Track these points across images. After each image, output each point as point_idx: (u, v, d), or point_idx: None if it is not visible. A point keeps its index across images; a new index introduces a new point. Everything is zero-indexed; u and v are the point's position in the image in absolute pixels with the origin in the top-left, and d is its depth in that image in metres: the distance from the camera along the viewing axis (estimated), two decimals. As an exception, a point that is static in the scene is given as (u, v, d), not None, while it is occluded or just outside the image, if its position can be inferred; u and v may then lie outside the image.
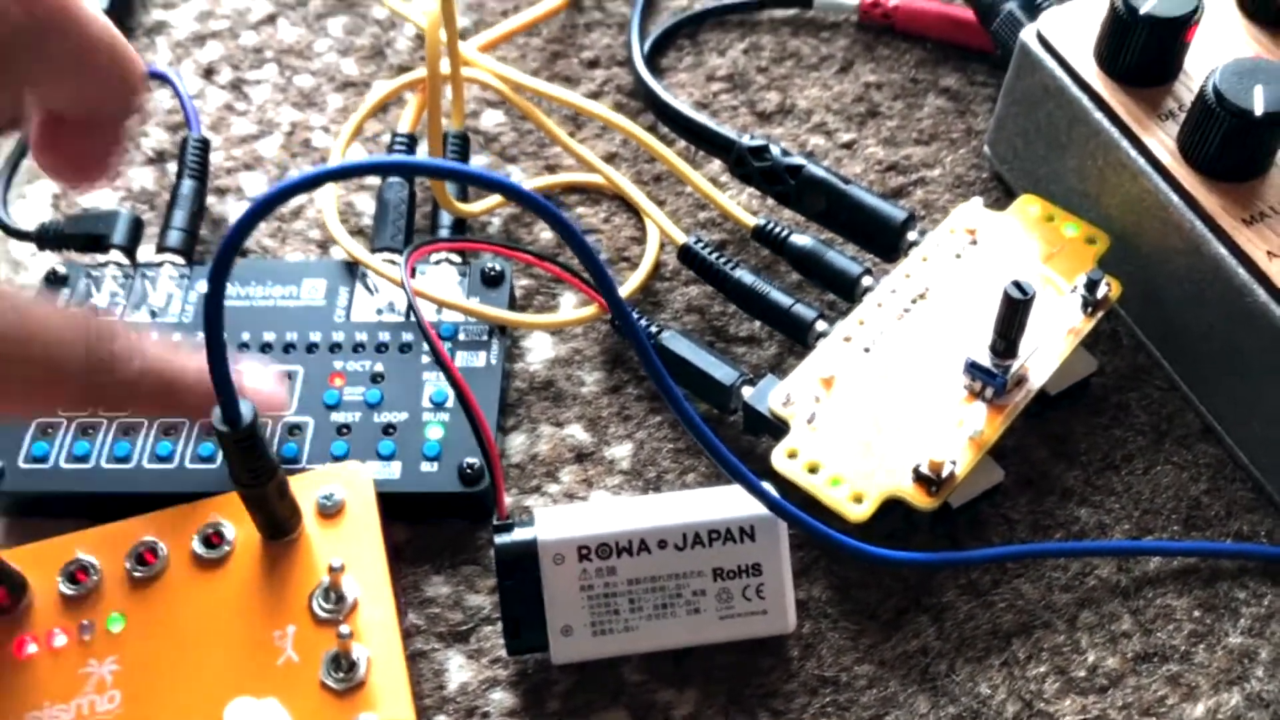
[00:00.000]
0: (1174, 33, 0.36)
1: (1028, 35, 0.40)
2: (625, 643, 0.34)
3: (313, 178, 0.27)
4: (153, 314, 0.40)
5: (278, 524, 0.33)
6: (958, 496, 0.36)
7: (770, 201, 0.43)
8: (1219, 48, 0.38)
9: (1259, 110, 0.34)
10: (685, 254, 0.41)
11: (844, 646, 0.35)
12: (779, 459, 0.35)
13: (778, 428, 0.36)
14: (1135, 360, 0.40)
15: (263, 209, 0.27)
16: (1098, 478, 0.38)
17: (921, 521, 0.37)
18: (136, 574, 0.33)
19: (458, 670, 0.35)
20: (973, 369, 0.36)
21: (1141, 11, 0.36)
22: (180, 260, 0.42)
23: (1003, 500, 0.37)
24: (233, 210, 0.45)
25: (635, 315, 0.40)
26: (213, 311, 0.28)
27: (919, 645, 0.35)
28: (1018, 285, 0.34)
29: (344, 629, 0.30)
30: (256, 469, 0.30)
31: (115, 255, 0.42)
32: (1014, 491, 0.37)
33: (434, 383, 0.38)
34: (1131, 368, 0.40)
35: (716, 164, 0.45)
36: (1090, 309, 0.37)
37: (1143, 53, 0.37)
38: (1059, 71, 0.39)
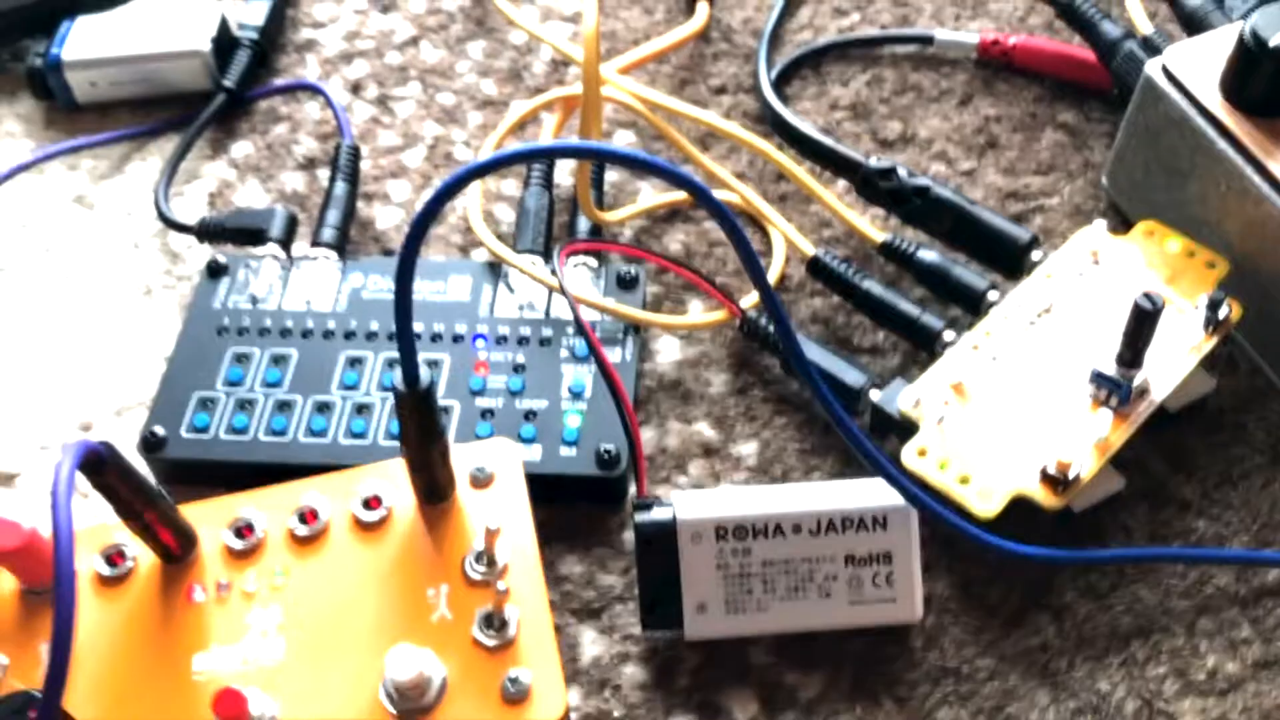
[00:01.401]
0: (1301, 65, 0.38)
1: (1153, 69, 0.41)
2: (757, 623, 0.35)
3: (507, 157, 0.29)
4: (307, 303, 0.43)
5: (437, 488, 0.34)
6: (1079, 501, 0.37)
7: (891, 223, 0.45)
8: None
9: (1387, 137, 0.35)
10: (815, 265, 0.43)
11: (965, 640, 0.36)
12: (909, 456, 0.36)
13: (906, 429, 0.37)
14: (1252, 383, 0.41)
15: (461, 182, 0.29)
16: (1215, 491, 0.39)
17: (1042, 526, 0.38)
18: (299, 533, 0.35)
19: (590, 644, 0.36)
20: (1099, 378, 0.37)
21: (1272, 44, 0.38)
22: (333, 255, 0.44)
23: (1121, 509, 0.38)
24: (380, 214, 0.47)
25: (764, 320, 0.41)
26: (403, 280, 0.29)
27: (1039, 642, 0.36)
28: (1148, 297, 0.35)
29: (501, 584, 0.32)
30: (428, 431, 0.32)
31: (272, 249, 0.44)
32: (1132, 501, 0.38)
33: (572, 374, 0.40)
34: (1249, 390, 0.41)
35: (839, 185, 0.47)
36: (1211, 328, 0.38)
37: (1270, 83, 0.38)
38: (1184, 103, 0.40)
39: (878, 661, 0.36)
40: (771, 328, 0.41)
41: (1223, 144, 0.39)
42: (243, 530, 0.35)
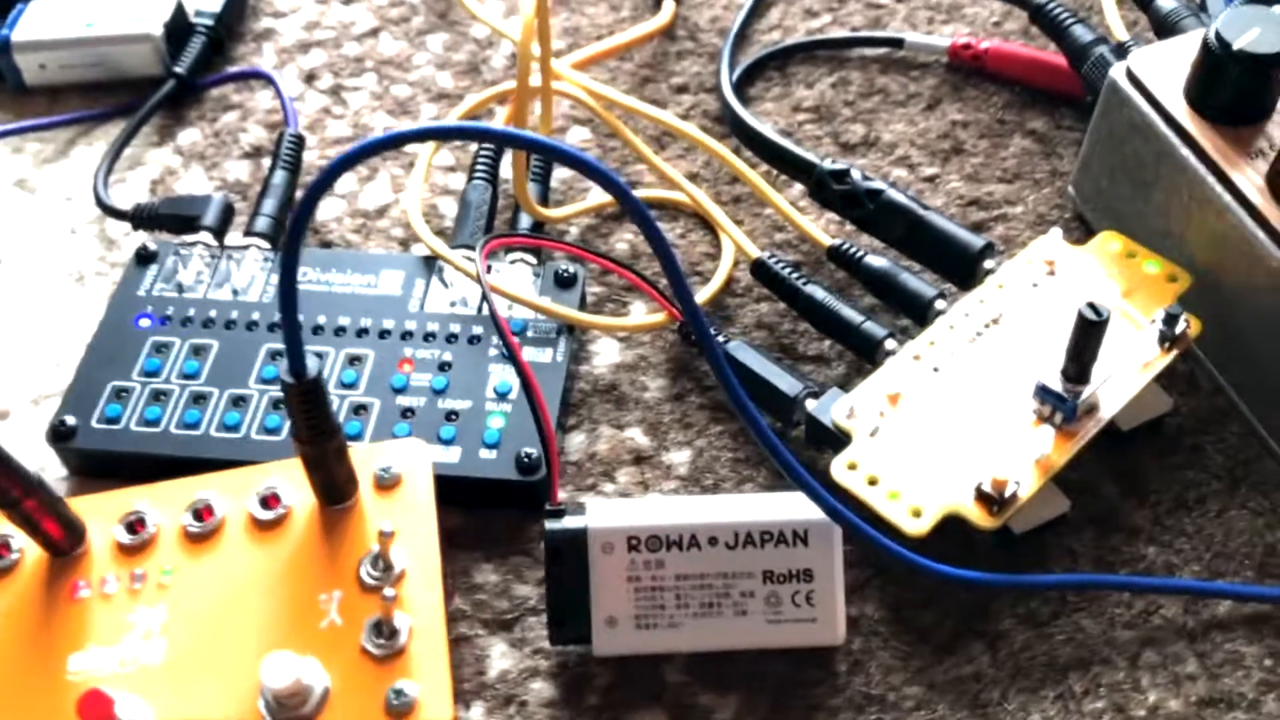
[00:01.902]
0: (1268, 70, 0.36)
1: (1117, 72, 0.39)
2: (669, 640, 0.33)
3: (394, 138, 0.28)
4: (234, 293, 0.41)
5: (335, 488, 0.33)
6: (1020, 523, 0.35)
7: (849, 228, 0.43)
8: (1315, 92, 0.38)
9: (1353, 146, 0.33)
10: (759, 268, 0.41)
11: (894, 666, 0.34)
12: (838, 469, 0.34)
13: (840, 440, 0.35)
14: (1213, 403, 0.39)
15: (349, 161, 0.27)
16: (1168, 518, 0.37)
17: (981, 548, 0.36)
18: (192, 529, 0.33)
19: (499, 658, 0.35)
20: (1043, 393, 0.35)
21: (1235, 47, 0.36)
22: (266, 245, 0.43)
23: (1067, 532, 0.36)
24: (322, 206, 0.46)
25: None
26: (289, 261, 0.28)
27: (972, 671, 0.34)
28: (1092, 306, 0.33)
29: (388, 591, 0.30)
30: (318, 426, 0.31)
31: (204, 236, 0.43)
32: (1079, 525, 0.36)
33: (499, 374, 0.39)
34: (1209, 410, 0.39)
35: (795, 190, 0.45)
36: (1167, 344, 0.36)
37: (1234, 90, 0.36)
38: (1147, 108, 0.38)
39: (798, 685, 0.34)
40: (711, 331, 0.39)
41: (1185, 152, 0.37)
42: (134, 525, 0.34)
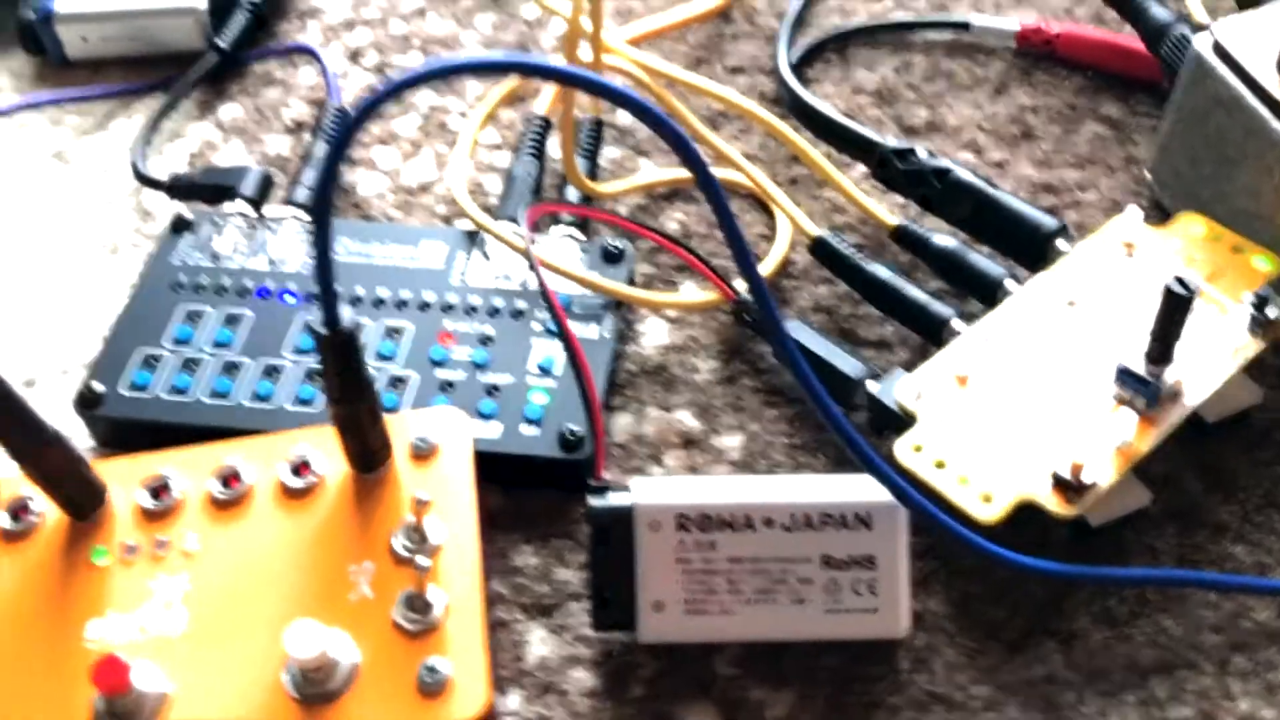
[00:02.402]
0: (1369, 38, 0.34)
1: (1201, 44, 0.37)
2: (720, 628, 0.31)
3: (434, 71, 0.26)
4: (271, 262, 0.40)
5: (368, 454, 0.31)
6: (1098, 515, 0.33)
7: (911, 211, 0.41)
8: None
9: None
10: (819, 246, 0.39)
11: (961, 664, 0.32)
12: (903, 451, 0.32)
13: (904, 423, 0.33)
14: (1305, 397, 0.36)
15: (386, 96, 0.26)
16: (1257, 515, 0.34)
17: (1056, 542, 0.33)
18: (219, 496, 0.32)
19: (538, 644, 0.33)
20: (1124, 375, 0.33)
21: (1335, 12, 0.34)
22: (305, 215, 0.41)
23: (1148, 528, 0.34)
24: (363, 180, 0.45)
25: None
26: (321, 206, 0.26)
27: (1044, 672, 0.32)
28: (1180, 281, 0.31)
29: (422, 560, 0.28)
30: (352, 383, 0.29)
31: (242, 206, 0.42)
32: (1161, 520, 0.34)
33: (543, 350, 0.37)
34: (1301, 404, 0.36)
35: (856, 172, 0.43)
36: (1258, 329, 0.34)
37: (1333, 59, 0.34)
38: (1235, 81, 0.36)
39: (857, 681, 0.32)
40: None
41: (1278, 125, 0.35)
42: (158, 490, 0.32)
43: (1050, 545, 0.33)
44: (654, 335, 0.39)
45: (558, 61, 0.43)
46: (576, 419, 0.35)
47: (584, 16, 0.41)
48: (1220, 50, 0.37)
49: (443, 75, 0.26)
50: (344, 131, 0.25)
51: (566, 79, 0.26)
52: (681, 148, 0.26)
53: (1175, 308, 0.31)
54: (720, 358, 0.39)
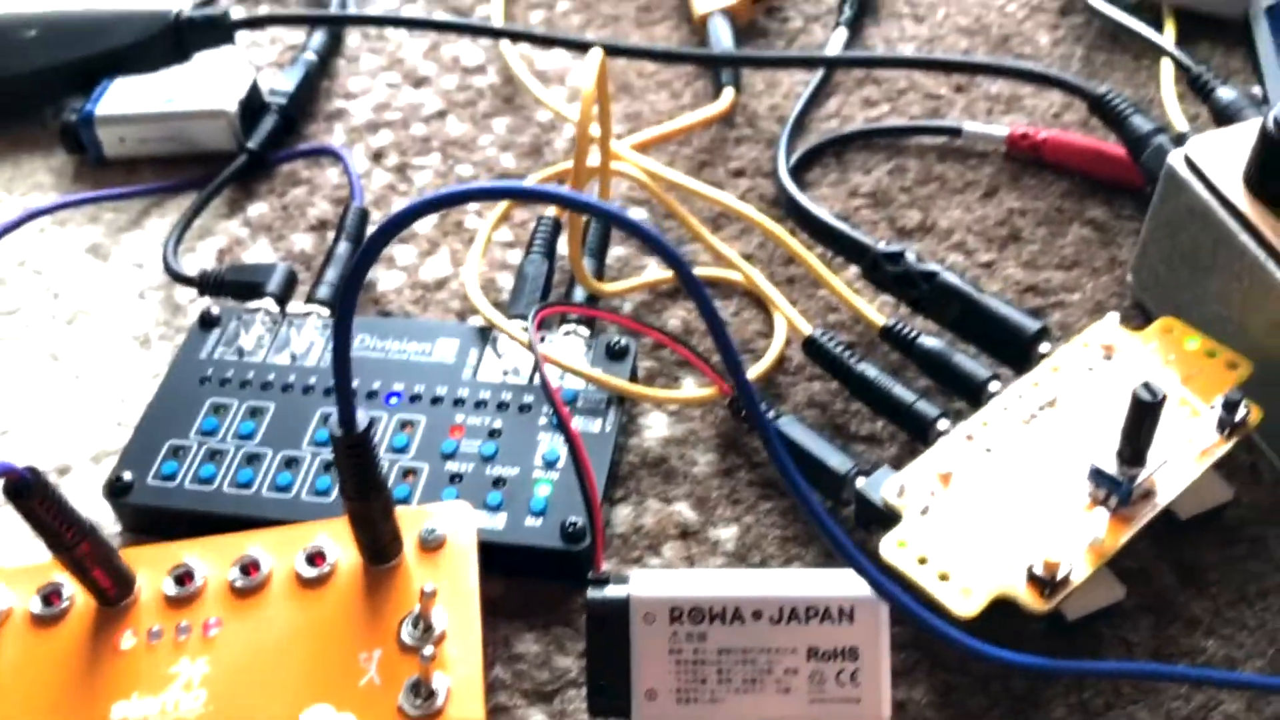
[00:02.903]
0: (1327, 157, 0.36)
1: (1175, 158, 0.39)
2: (710, 715, 0.33)
3: (447, 196, 0.28)
4: (293, 357, 0.42)
5: (380, 547, 0.33)
6: (1074, 609, 0.34)
7: (903, 311, 0.43)
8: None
9: None
10: (811, 345, 0.41)
11: (941, 753, 0.33)
12: (888, 548, 0.34)
13: (890, 519, 0.35)
14: (1276, 494, 0.38)
15: (408, 218, 0.28)
16: (1229, 610, 0.35)
17: (1033, 635, 0.35)
18: (239, 584, 0.34)
19: (537, 728, 0.34)
20: (1097, 475, 0.34)
21: (1294, 133, 0.36)
22: (327, 312, 0.44)
23: (1122, 622, 0.35)
24: (383, 277, 0.47)
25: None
26: (343, 313, 0.28)
27: (1022, 761, 0.33)
28: (1148, 387, 0.33)
29: (427, 650, 0.30)
30: (365, 482, 0.31)
31: (267, 303, 0.44)
32: (1135, 615, 0.35)
33: (548, 443, 0.39)
34: (1271, 501, 0.38)
35: (850, 273, 0.45)
36: (1226, 430, 0.36)
37: (1294, 175, 0.36)
38: (1205, 194, 0.38)
39: (842, 768, 0.33)
40: (761, 407, 0.39)
41: (1244, 237, 0.37)
42: (183, 578, 0.34)
43: (1027, 637, 0.35)
44: (656, 428, 0.41)
45: (555, 186, 0.46)
46: (579, 511, 0.37)
47: (594, 124, 0.43)
48: (1192, 164, 0.39)
49: (442, 206, 0.28)
50: (354, 270, 0.27)
51: (562, 203, 0.29)
52: (670, 260, 0.28)
53: (1144, 413, 0.33)
54: (718, 451, 0.41)
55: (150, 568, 0.34)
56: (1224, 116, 0.43)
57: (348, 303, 0.28)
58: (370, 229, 0.48)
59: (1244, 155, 0.38)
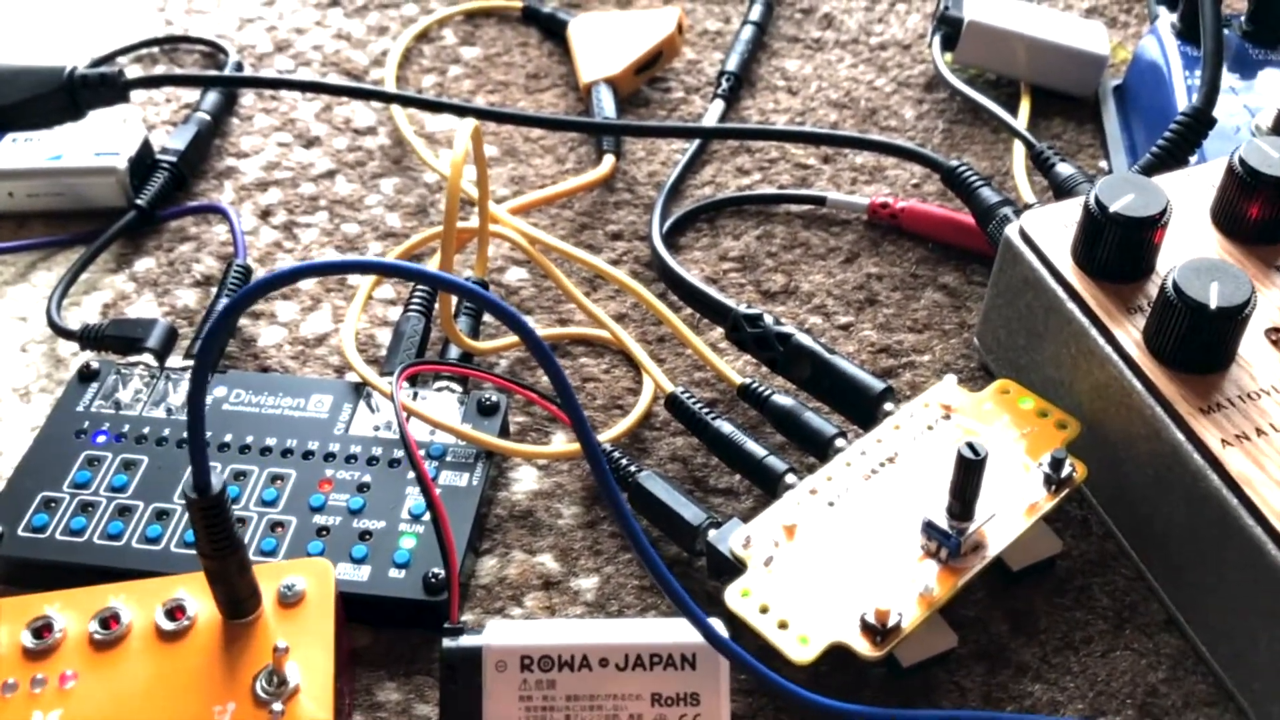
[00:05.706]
0: (1142, 232, 0.39)
1: (1011, 231, 0.42)
2: (558, 760, 0.34)
3: (292, 272, 0.30)
4: (169, 411, 0.43)
5: (237, 602, 0.34)
6: (908, 655, 0.36)
7: (763, 370, 0.45)
8: (1193, 253, 0.40)
9: (1213, 305, 0.36)
10: (672, 402, 0.43)
11: (780, 795, 0.35)
12: (732, 597, 0.36)
13: (737, 569, 0.37)
14: (1103, 547, 0.40)
15: (259, 290, 0.29)
16: (1055, 656, 0.38)
17: (875, 680, 0.37)
18: (98, 637, 0.34)
19: (394, 776, 0.35)
20: (929, 529, 0.36)
21: (1111, 210, 0.38)
22: (204, 368, 0.45)
23: (956, 668, 0.37)
24: (264, 333, 0.48)
25: (619, 454, 0.41)
26: (198, 379, 0.30)
27: (857, 802, 0.35)
28: (970, 446, 0.35)
29: (276, 707, 0.31)
30: (220, 541, 0.32)
31: (147, 358, 0.45)
32: (969, 661, 0.37)
33: (415, 497, 0.40)
34: (1099, 554, 0.40)
35: (716, 333, 0.47)
36: (1053, 487, 0.38)
37: (1114, 249, 0.39)
38: (1038, 265, 0.41)
39: (685, 811, 0.34)
40: (624, 461, 0.41)
41: (1071, 306, 0.40)
42: (41, 630, 0.34)
43: (869, 681, 0.37)
44: (525, 482, 0.43)
45: (394, 259, 0.47)
46: (441, 563, 0.38)
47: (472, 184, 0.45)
48: (1026, 236, 0.42)
49: (279, 285, 0.29)
50: (209, 338, 0.28)
51: (421, 278, 0.30)
52: (517, 328, 0.30)
53: (968, 470, 0.35)
54: (583, 504, 0.42)
55: (9, 620, 0.35)
56: (1062, 190, 0.46)
57: (200, 376, 0.29)
58: (254, 286, 0.49)
59: (1073, 228, 0.41)
